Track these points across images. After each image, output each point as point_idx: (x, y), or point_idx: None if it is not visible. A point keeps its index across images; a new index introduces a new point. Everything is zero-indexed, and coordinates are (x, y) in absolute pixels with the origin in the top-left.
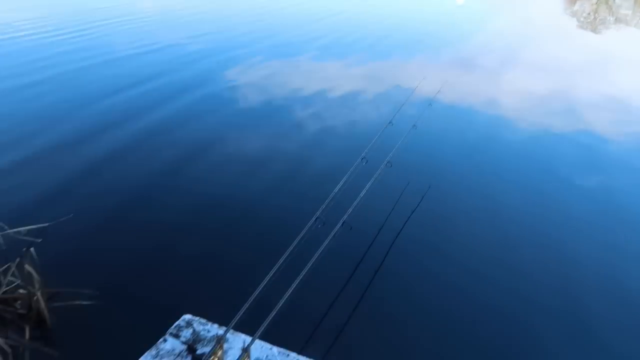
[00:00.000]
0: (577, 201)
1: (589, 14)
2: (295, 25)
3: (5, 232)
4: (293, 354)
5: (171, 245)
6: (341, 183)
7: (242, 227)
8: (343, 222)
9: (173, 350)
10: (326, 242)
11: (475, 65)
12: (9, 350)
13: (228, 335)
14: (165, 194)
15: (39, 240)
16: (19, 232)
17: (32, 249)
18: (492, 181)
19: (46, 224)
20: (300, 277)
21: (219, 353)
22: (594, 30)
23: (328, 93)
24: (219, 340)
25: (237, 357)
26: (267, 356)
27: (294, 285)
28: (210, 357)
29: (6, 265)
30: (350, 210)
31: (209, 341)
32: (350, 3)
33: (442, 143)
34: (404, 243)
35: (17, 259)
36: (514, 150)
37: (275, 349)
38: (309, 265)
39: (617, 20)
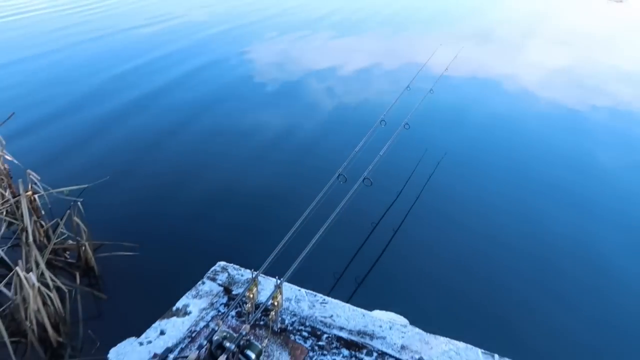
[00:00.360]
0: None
1: None
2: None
3: (49, 192)
4: (320, 295)
5: (206, 200)
6: (361, 143)
7: (272, 184)
8: (364, 179)
9: (211, 291)
10: (348, 196)
11: (492, 36)
12: (65, 290)
13: (260, 278)
14: (200, 155)
15: (81, 200)
16: (61, 192)
17: (79, 204)
18: (508, 148)
19: (85, 185)
20: (325, 227)
21: (254, 290)
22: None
23: (347, 65)
24: (254, 279)
25: (269, 294)
26: (295, 296)
27: (318, 235)
28: (245, 292)
29: (54, 221)
30: (370, 167)
31: (243, 283)
32: None
33: (458, 108)
34: (420, 196)
35: (67, 212)
36: (530, 119)
37: (303, 290)
38: (333, 216)
39: None
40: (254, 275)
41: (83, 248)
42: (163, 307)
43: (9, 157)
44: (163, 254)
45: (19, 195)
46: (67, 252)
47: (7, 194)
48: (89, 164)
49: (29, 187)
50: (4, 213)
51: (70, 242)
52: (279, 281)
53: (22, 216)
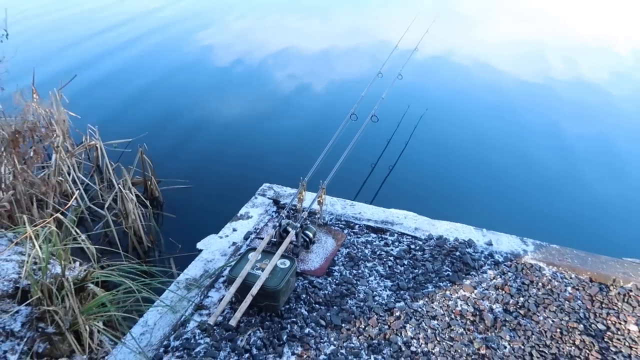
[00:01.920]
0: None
1: None
2: None
3: (108, 142)
4: (348, 200)
5: (244, 134)
6: (365, 90)
7: (299, 122)
8: (371, 116)
9: (263, 202)
10: (360, 129)
11: (456, 13)
12: (144, 210)
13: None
14: (238, 101)
15: (129, 150)
16: (111, 144)
17: (145, 146)
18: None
19: (129, 139)
20: (346, 153)
21: (303, 193)
22: None
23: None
24: (303, 184)
25: (313, 200)
26: (330, 202)
27: (342, 158)
28: (297, 195)
29: (115, 165)
30: (375, 107)
31: (287, 196)
32: None
33: (441, 66)
34: (416, 126)
35: (139, 152)
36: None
37: (336, 198)
38: (351, 144)
39: None
40: (302, 181)
41: (149, 182)
42: (219, 221)
43: (72, 114)
44: (211, 186)
45: (92, 143)
46: (135, 186)
47: (70, 144)
48: (133, 122)
49: (90, 139)
50: (82, 156)
51: (138, 177)
52: (322, 183)
53: (97, 159)
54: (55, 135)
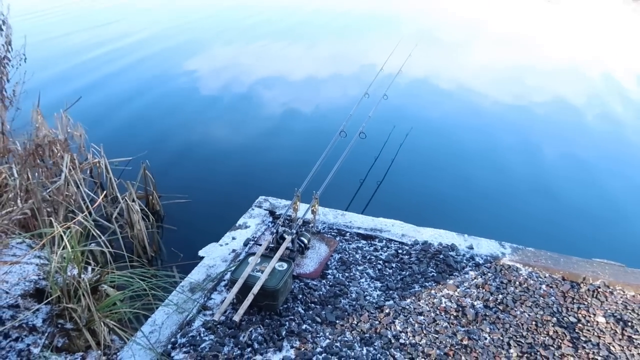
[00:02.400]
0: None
1: None
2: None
3: (112, 160)
4: (339, 210)
5: (239, 152)
6: (353, 109)
7: (292, 139)
8: (360, 133)
9: (259, 213)
10: (349, 145)
11: (439, 39)
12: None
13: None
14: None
15: (130, 168)
16: (113, 162)
17: (147, 162)
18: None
19: (130, 158)
20: (336, 166)
21: (297, 203)
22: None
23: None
24: (297, 195)
25: (306, 209)
26: (323, 212)
27: (333, 172)
28: (292, 205)
29: (118, 181)
30: (363, 125)
31: (282, 208)
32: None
33: (424, 87)
34: (402, 142)
35: (142, 168)
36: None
37: (327, 208)
38: (341, 159)
39: None
40: (297, 191)
41: (151, 197)
42: (218, 232)
43: (77, 133)
44: (209, 200)
45: (96, 160)
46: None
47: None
48: (132, 141)
49: (93, 157)
50: (88, 172)
51: (140, 192)
52: (315, 193)
53: (99, 175)
54: (69, 149)
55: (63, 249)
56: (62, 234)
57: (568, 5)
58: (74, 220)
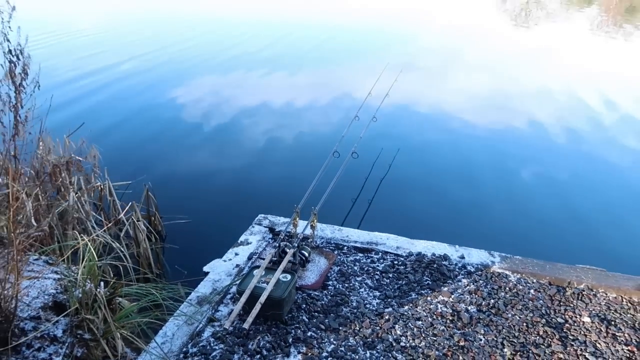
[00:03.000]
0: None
1: (520, 11)
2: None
3: (116, 183)
4: (336, 225)
5: (237, 173)
6: (345, 131)
7: (288, 160)
8: (352, 153)
9: (260, 230)
10: (343, 164)
11: (417, 66)
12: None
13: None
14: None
15: (130, 191)
16: (116, 185)
17: (150, 184)
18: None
19: (129, 182)
20: (332, 184)
21: (297, 219)
22: (527, 26)
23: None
24: (296, 212)
25: (305, 224)
26: (320, 228)
27: (328, 190)
28: (292, 220)
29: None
30: (355, 145)
31: (282, 225)
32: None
33: (410, 109)
34: (393, 160)
35: (145, 190)
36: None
37: (325, 224)
38: (335, 177)
39: (547, 15)
40: (296, 207)
41: (153, 217)
42: (219, 250)
43: (92, 154)
44: (209, 220)
45: (98, 184)
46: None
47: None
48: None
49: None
50: (92, 194)
51: (142, 213)
52: (314, 209)
53: (102, 196)
54: (83, 170)
55: (81, 263)
56: (81, 249)
57: (542, 31)
58: (92, 236)
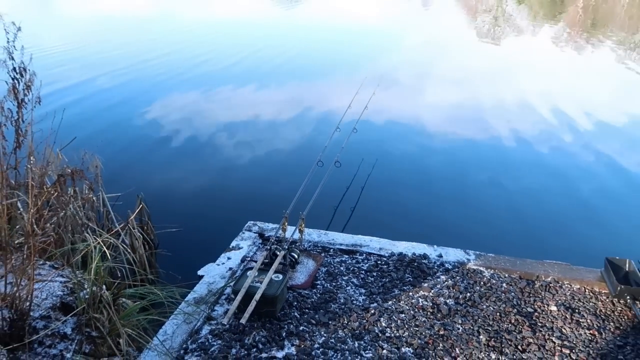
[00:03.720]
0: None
1: (490, 26)
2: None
3: (109, 195)
4: (322, 230)
5: (226, 181)
6: (327, 141)
7: (273, 170)
8: (335, 162)
9: (250, 236)
10: (327, 173)
11: (392, 80)
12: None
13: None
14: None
15: (121, 203)
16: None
17: (142, 194)
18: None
19: (119, 193)
20: (317, 192)
21: (285, 224)
22: (496, 41)
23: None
24: (285, 217)
25: (294, 229)
26: (307, 232)
27: (314, 197)
28: (281, 225)
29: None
30: (338, 155)
31: (271, 230)
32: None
33: (388, 120)
34: (373, 167)
35: (138, 200)
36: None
37: (311, 229)
38: (320, 185)
39: (515, 31)
40: (285, 213)
41: (146, 227)
42: (210, 256)
43: (94, 164)
44: (199, 228)
45: (91, 196)
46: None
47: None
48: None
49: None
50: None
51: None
52: (301, 213)
53: (97, 207)
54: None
55: (92, 264)
56: (89, 252)
57: (511, 45)
58: (100, 239)
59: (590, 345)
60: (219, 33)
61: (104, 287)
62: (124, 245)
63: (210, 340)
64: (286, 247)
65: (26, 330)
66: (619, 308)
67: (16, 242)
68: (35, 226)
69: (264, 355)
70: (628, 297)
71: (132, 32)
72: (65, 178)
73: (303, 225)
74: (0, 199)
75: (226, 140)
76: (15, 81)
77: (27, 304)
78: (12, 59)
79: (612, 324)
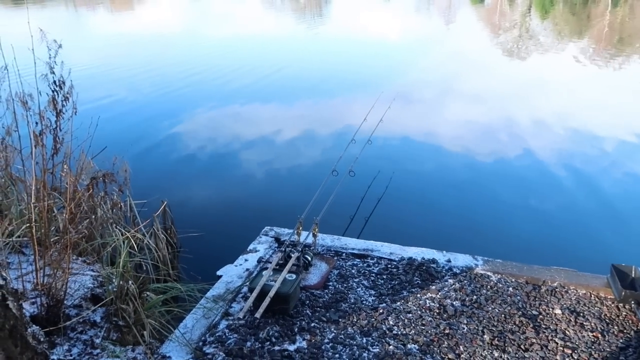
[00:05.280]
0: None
1: (513, 43)
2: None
3: (137, 201)
4: (336, 235)
5: (245, 190)
6: (343, 152)
7: (290, 179)
8: (349, 172)
9: (267, 240)
10: (340, 182)
11: (410, 95)
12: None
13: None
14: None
15: (146, 209)
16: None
17: (167, 200)
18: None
19: (145, 200)
20: (330, 199)
21: (300, 228)
22: (520, 58)
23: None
24: (300, 222)
25: (308, 233)
26: (321, 237)
27: (327, 203)
28: (296, 229)
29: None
30: (352, 165)
31: (286, 235)
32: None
33: (402, 133)
34: (391, 179)
35: (163, 206)
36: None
37: (325, 234)
38: (334, 192)
39: (538, 47)
40: (300, 218)
41: (169, 230)
42: (229, 259)
43: (123, 169)
44: (219, 233)
45: (119, 202)
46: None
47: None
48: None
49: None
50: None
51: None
52: (315, 218)
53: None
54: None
55: (121, 258)
56: (118, 247)
57: (534, 62)
58: (126, 235)
59: (593, 347)
60: (244, 52)
61: (130, 280)
62: (149, 242)
63: (227, 334)
64: (300, 249)
65: (60, 316)
66: (624, 313)
67: (52, 239)
68: (69, 225)
69: (276, 348)
70: (633, 302)
71: (161, 51)
72: (97, 180)
73: (317, 229)
74: (43, 200)
75: (246, 152)
76: (55, 93)
77: (62, 293)
78: (53, 72)
79: (615, 327)
